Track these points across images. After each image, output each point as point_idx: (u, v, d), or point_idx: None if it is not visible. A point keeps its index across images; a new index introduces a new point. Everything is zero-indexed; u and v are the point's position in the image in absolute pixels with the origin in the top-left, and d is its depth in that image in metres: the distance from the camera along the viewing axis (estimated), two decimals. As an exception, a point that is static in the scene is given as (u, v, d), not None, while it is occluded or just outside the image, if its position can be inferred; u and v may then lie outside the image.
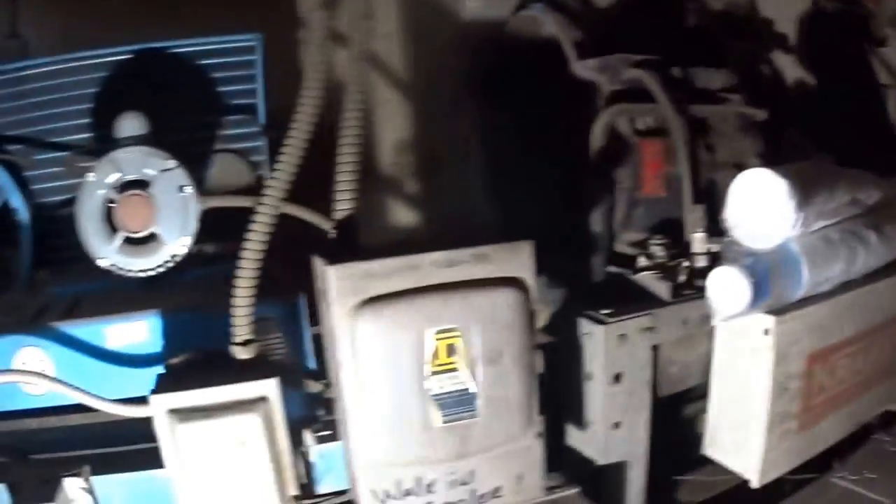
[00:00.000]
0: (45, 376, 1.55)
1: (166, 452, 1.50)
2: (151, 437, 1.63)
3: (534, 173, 1.90)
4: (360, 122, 1.52)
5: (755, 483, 1.82)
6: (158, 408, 1.48)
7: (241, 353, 1.52)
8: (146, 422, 1.56)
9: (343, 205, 1.53)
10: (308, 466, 1.58)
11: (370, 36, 1.56)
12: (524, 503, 1.65)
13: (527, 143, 1.94)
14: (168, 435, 1.49)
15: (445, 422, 1.50)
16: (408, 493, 1.55)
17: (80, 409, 1.64)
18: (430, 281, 1.48)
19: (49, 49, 2.10)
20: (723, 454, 1.87)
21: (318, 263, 1.50)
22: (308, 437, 1.55)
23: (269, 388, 1.48)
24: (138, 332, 1.62)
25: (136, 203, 1.62)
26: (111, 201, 1.63)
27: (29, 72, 2.07)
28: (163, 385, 1.51)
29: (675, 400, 1.85)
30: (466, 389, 1.50)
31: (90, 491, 1.61)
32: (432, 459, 1.53)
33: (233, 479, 1.50)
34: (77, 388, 1.54)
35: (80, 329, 1.64)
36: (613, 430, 1.75)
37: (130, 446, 1.67)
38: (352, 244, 1.53)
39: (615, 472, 1.80)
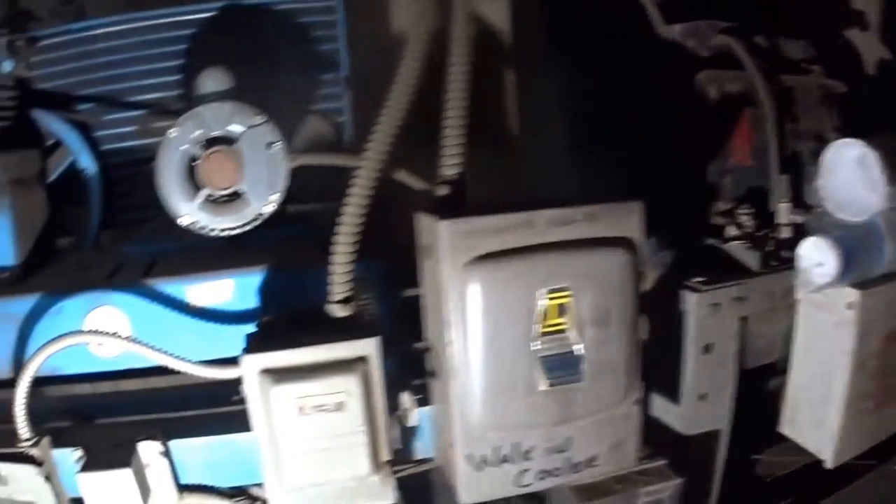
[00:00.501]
0: (128, 338, 1.45)
1: (255, 415, 1.42)
2: (228, 400, 1.56)
3: (621, 139, 1.86)
4: (466, 79, 1.45)
5: (830, 463, 1.80)
6: (250, 368, 1.40)
7: (339, 312, 1.45)
8: (223, 384, 1.49)
9: (450, 161, 1.46)
10: (403, 430, 1.50)
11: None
12: (617, 472, 1.60)
13: (614, 108, 1.90)
14: (259, 397, 1.40)
15: (550, 385, 1.45)
16: (504, 459, 1.49)
17: (154, 371, 1.54)
18: (543, 239, 1.43)
19: (104, 12, 2.00)
20: (799, 432, 1.84)
21: (426, 219, 1.43)
22: (407, 399, 1.48)
23: (369, 347, 1.41)
24: (223, 291, 1.53)
25: (221, 159, 1.52)
26: (194, 158, 1.53)
27: (101, 31, 1.96)
28: (254, 345, 1.43)
29: (755, 374, 1.81)
30: (573, 352, 1.45)
31: (166, 455, 1.51)
32: (533, 425, 1.48)
33: (325, 443, 1.42)
34: (160, 350, 1.45)
35: (160, 288, 1.55)
36: (700, 402, 1.72)
37: (206, 409, 1.58)
38: (460, 202, 1.46)
39: (697, 444, 1.76)
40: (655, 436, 1.75)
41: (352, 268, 1.43)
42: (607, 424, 1.54)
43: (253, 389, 1.40)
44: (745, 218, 1.76)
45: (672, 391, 1.72)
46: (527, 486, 1.53)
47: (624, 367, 1.50)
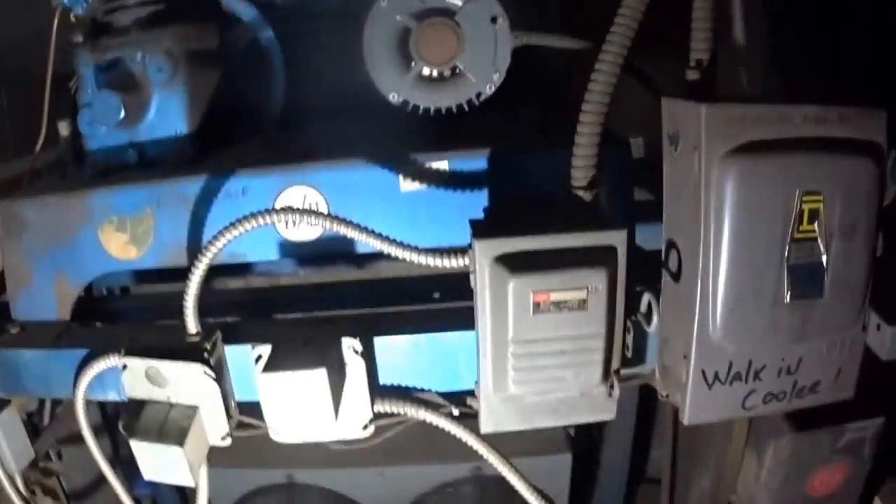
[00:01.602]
0: (334, 217, 1.28)
1: (482, 310, 1.28)
2: (428, 298, 1.42)
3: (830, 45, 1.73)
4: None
5: None
6: (484, 256, 1.25)
7: (581, 197, 1.31)
8: (423, 279, 1.35)
9: (700, 44, 1.35)
10: (636, 337, 1.37)
11: None
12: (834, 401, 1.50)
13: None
14: (490, 289, 1.26)
15: (792, 298, 1.34)
16: (737, 377, 1.38)
17: (347, 260, 1.39)
18: (797, 135, 1.32)
19: None
20: None
21: (676, 104, 1.31)
22: (649, 301, 1.35)
23: (618, 237, 1.28)
24: (439, 173, 1.38)
25: (439, 32, 1.38)
26: (407, 30, 1.39)
27: None
28: (486, 230, 1.28)
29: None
30: (820, 263, 1.34)
31: (364, 354, 1.36)
32: (770, 340, 1.36)
33: (559, 346, 1.30)
34: (374, 233, 1.29)
35: (367, 168, 1.39)
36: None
37: (406, 307, 1.43)
38: (710, 89, 1.35)
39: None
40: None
41: (597, 150, 1.30)
42: (836, 348, 1.43)
43: (483, 280, 1.26)
44: None
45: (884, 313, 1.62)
46: (752, 409, 1.41)
47: (861, 285, 1.40)
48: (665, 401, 1.45)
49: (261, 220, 1.31)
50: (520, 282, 1.25)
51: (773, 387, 1.41)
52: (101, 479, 2.54)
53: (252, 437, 1.45)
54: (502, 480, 2.21)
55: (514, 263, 1.26)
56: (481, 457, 2.18)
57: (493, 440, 2.13)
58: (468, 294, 1.30)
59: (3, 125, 1.52)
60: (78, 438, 1.53)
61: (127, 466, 1.88)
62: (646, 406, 2.41)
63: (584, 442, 1.44)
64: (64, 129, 1.58)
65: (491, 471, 2.17)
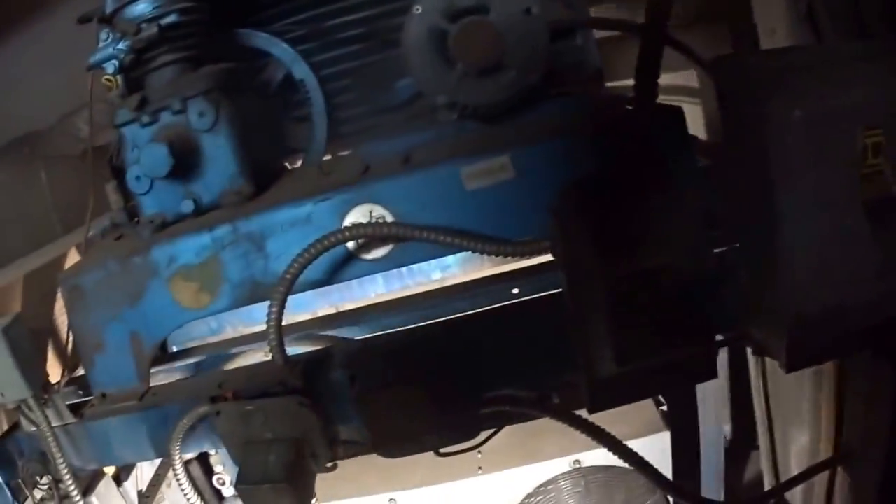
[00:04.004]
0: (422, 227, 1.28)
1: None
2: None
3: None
4: None
5: None
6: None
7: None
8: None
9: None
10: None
11: None
12: None
13: None
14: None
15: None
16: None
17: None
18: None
19: None
20: None
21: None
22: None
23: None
24: (502, 170, 1.36)
25: (475, 30, 1.38)
26: (444, 32, 1.39)
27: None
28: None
29: None
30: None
31: (461, 357, 1.34)
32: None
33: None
34: (460, 234, 1.27)
35: (429, 175, 1.38)
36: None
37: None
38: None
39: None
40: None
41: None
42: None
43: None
44: None
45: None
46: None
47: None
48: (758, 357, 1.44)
49: (332, 240, 1.31)
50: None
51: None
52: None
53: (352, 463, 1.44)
54: (601, 469, 2.21)
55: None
56: (579, 448, 2.19)
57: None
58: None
59: (47, 202, 1.50)
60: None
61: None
62: (739, 372, 2.42)
63: (683, 414, 1.42)
64: (112, 191, 1.56)
65: (591, 461, 2.19)
